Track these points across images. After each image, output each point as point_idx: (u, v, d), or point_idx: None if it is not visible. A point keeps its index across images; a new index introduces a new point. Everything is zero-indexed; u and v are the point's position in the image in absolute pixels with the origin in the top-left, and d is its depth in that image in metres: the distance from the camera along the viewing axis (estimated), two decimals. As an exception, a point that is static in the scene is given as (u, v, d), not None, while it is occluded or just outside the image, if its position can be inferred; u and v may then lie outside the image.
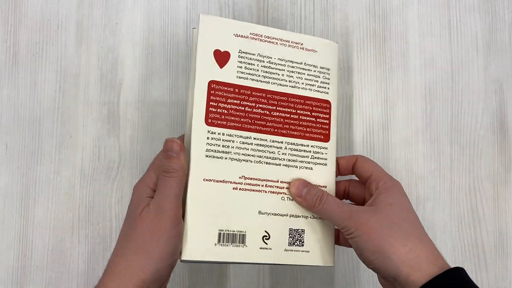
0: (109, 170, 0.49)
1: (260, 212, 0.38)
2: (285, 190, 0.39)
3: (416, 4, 0.53)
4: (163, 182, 0.35)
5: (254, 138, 0.39)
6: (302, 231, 0.39)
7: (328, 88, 0.42)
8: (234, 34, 0.40)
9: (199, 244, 0.36)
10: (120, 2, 0.51)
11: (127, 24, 0.51)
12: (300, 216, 0.39)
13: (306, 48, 0.42)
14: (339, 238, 0.42)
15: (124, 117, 0.50)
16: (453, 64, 0.53)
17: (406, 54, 0.52)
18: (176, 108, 0.50)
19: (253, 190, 0.39)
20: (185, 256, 0.36)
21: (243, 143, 0.39)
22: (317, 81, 0.42)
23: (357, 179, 0.42)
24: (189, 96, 0.39)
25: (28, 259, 0.47)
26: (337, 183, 0.42)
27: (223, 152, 0.38)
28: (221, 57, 0.39)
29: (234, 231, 0.37)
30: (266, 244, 0.38)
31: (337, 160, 0.42)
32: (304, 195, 0.38)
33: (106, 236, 0.48)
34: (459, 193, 0.51)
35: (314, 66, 0.42)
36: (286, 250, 0.39)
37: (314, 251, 0.39)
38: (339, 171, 0.42)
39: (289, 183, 0.40)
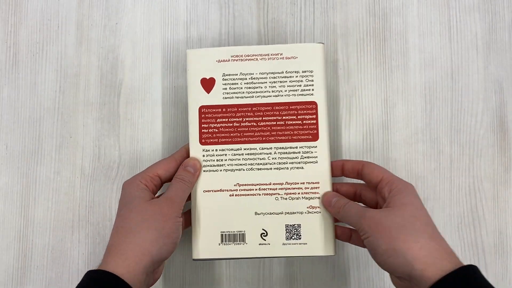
0: (109, 170, 0.49)
1: (256, 213, 0.43)
2: (278, 191, 0.43)
3: (416, 4, 0.53)
4: (177, 184, 0.41)
5: (244, 149, 0.43)
6: (299, 225, 0.43)
7: (313, 90, 0.44)
8: (217, 61, 0.44)
9: (205, 245, 0.42)
10: (120, 2, 0.51)
11: (127, 24, 0.51)
12: (295, 213, 0.43)
13: (286, 57, 0.44)
14: (351, 236, 0.44)
15: (124, 117, 0.50)
16: (453, 64, 0.53)
17: (406, 54, 0.52)
18: (176, 108, 0.50)
19: (248, 195, 0.43)
20: (195, 255, 0.42)
21: (234, 154, 0.43)
22: (300, 85, 0.44)
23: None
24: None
25: (28, 259, 0.47)
26: (349, 185, 0.44)
27: (217, 165, 0.43)
28: (207, 84, 0.44)
29: (234, 231, 0.43)
30: (265, 240, 0.43)
31: (343, 162, 0.44)
32: (333, 204, 0.42)
33: (106, 236, 0.48)
34: (458, 193, 0.51)
35: (295, 72, 0.44)
36: (284, 244, 0.43)
37: (312, 243, 0.43)
38: (342, 172, 0.44)
39: (282, 183, 0.43)
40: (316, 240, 0.43)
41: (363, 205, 0.42)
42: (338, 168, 0.44)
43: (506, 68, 0.53)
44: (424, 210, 0.38)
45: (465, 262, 0.49)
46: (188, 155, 0.44)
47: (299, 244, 0.43)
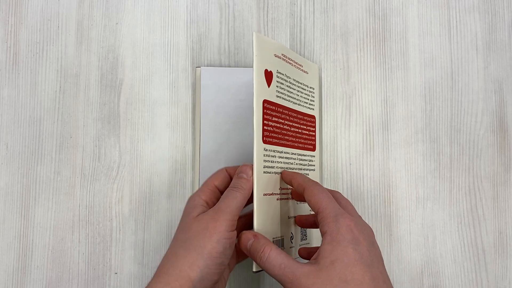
0: (109, 170, 0.49)
1: (288, 217, 0.43)
2: (289, 195, 0.43)
3: (416, 4, 0.53)
4: (229, 193, 0.37)
5: (285, 152, 0.42)
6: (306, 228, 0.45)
7: (313, 105, 0.48)
8: (274, 55, 0.41)
9: None
10: (120, 2, 0.51)
11: (127, 24, 0.51)
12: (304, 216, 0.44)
13: (304, 70, 0.46)
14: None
15: (124, 117, 0.50)
16: (453, 64, 0.53)
17: (406, 54, 0.52)
18: (176, 108, 0.50)
19: (284, 199, 0.42)
20: (256, 267, 0.37)
21: (279, 157, 0.41)
22: (308, 99, 0.47)
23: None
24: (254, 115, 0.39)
25: (28, 259, 0.47)
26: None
27: (270, 167, 0.40)
28: (269, 77, 0.40)
29: (278, 237, 0.40)
30: (292, 243, 0.43)
31: (293, 177, 0.41)
32: (249, 247, 0.36)
33: (106, 235, 0.48)
34: (458, 193, 0.51)
35: (307, 86, 0.47)
36: (300, 245, 0.44)
37: (311, 242, 0.46)
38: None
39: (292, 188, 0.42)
40: (312, 239, 0.47)
41: (290, 257, 0.35)
42: (287, 181, 0.41)
43: (506, 68, 0.53)
44: (358, 263, 0.33)
45: (465, 262, 0.50)
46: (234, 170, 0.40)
47: (306, 244, 0.45)
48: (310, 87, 0.48)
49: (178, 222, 0.43)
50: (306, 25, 0.52)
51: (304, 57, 0.52)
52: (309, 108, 0.47)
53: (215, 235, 0.34)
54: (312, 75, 0.48)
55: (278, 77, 0.41)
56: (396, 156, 0.51)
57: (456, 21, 0.53)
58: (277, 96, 0.41)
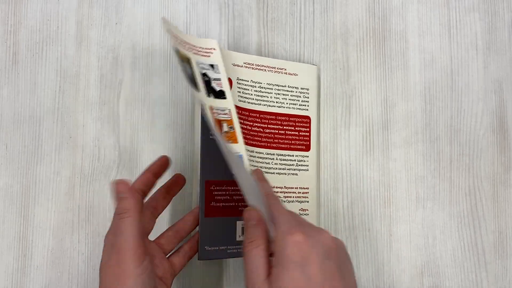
0: (109, 170, 0.49)
1: None
2: (279, 194, 0.46)
3: (416, 4, 0.53)
4: (117, 225, 0.34)
5: (256, 152, 0.45)
6: None
7: (308, 106, 0.49)
8: (232, 64, 0.46)
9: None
10: (120, 2, 0.51)
11: (127, 24, 0.51)
12: None
13: (288, 73, 0.48)
14: None
15: (124, 117, 0.50)
16: (453, 63, 0.53)
17: (405, 54, 0.52)
18: (176, 108, 0.50)
19: None
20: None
21: (251, 156, 0.45)
22: (298, 100, 0.49)
23: None
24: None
25: (28, 259, 0.47)
26: None
27: None
28: (230, 83, 0.44)
29: None
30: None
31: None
32: (248, 226, 0.35)
33: (106, 236, 0.48)
34: (458, 193, 0.51)
35: (295, 87, 0.49)
36: None
37: None
38: None
39: (281, 187, 0.46)
40: None
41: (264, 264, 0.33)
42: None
43: (506, 68, 0.53)
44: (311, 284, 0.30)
45: (465, 262, 0.50)
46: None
47: None
48: (302, 88, 0.49)
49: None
50: (306, 25, 0.52)
51: (304, 57, 0.52)
52: (299, 109, 0.48)
53: (128, 280, 0.32)
54: (305, 76, 0.49)
55: (238, 83, 0.46)
56: (396, 156, 0.51)
57: (456, 21, 0.53)
58: (240, 101, 0.45)
